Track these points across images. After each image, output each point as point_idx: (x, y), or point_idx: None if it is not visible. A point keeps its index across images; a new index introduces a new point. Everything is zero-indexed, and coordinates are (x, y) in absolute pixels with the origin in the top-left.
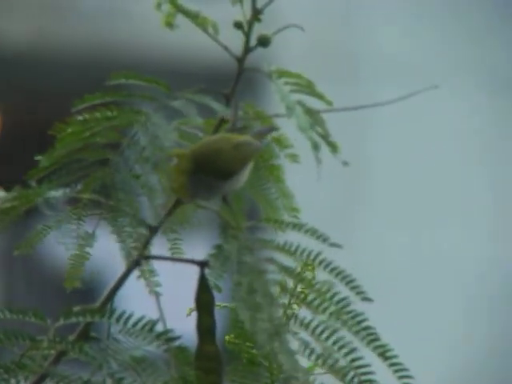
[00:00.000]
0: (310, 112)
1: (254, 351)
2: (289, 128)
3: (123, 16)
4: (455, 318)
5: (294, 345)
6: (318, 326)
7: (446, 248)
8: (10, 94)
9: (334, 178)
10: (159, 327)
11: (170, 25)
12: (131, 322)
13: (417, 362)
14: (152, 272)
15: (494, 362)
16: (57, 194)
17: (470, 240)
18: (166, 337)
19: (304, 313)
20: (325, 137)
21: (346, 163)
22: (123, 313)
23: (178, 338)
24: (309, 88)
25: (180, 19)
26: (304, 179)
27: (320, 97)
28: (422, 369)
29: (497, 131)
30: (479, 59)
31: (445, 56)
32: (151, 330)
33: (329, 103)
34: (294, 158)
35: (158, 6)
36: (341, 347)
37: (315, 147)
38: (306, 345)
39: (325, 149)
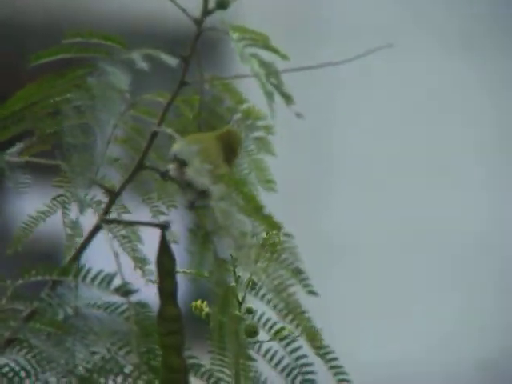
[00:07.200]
0: (265, 64)
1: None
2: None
3: None
4: (436, 283)
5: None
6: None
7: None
8: None
9: (297, 146)
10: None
11: None
12: (90, 276)
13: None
14: (145, 260)
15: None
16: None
17: (439, 204)
18: (125, 289)
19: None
20: (279, 87)
21: (299, 115)
22: (82, 268)
23: (136, 291)
24: (264, 42)
25: None
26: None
27: (275, 51)
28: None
29: (453, 90)
30: (435, 19)
31: (404, 16)
32: (109, 283)
33: (284, 57)
34: (268, 129)
35: None
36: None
37: (269, 96)
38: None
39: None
